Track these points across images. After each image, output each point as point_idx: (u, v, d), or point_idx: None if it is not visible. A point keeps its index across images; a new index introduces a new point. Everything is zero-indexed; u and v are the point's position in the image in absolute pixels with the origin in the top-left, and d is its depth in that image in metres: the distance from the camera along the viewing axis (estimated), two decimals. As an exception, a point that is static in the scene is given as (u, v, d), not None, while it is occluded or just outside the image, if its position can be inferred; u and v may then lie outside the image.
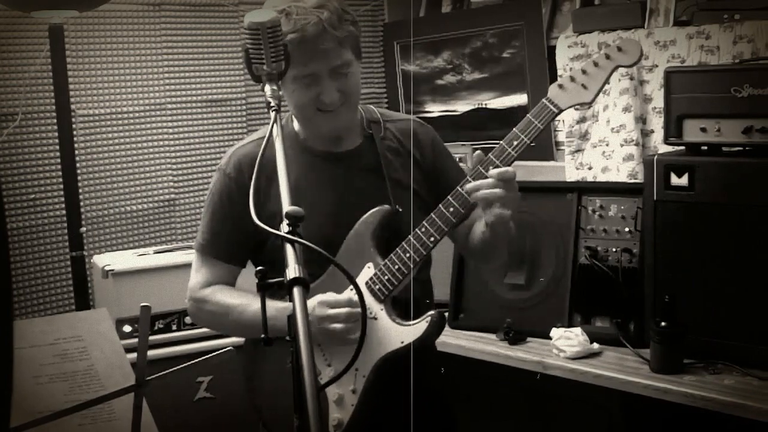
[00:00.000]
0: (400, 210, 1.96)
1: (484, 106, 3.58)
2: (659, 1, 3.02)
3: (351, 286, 1.89)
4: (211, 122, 3.59)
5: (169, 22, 3.46)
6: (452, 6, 3.75)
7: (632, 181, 3.00)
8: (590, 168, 3.17)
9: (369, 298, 1.93)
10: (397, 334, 1.90)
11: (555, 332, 2.63)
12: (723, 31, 2.77)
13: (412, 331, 1.90)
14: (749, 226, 2.36)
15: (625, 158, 3.04)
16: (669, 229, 2.50)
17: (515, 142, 1.88)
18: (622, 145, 3.04)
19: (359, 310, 1.80)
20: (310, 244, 1.30)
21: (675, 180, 2.46)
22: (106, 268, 2.85)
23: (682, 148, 2.53)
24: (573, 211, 2.77)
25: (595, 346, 2.59)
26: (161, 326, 2.85)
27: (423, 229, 1.91)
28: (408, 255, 1.91)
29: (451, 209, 1.90)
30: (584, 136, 3.20)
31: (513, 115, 3.49)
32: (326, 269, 1.92)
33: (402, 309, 1.94)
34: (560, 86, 1.92)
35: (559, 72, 3.22)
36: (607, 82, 1.92)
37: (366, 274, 1.94)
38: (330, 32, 1.82)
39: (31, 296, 3.16)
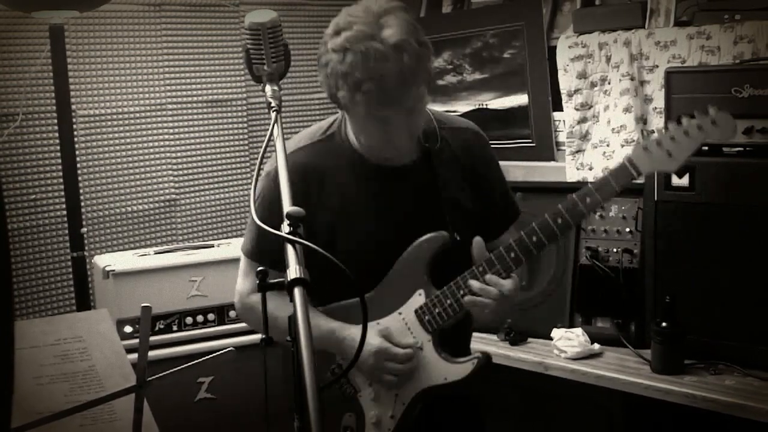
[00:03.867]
0: (458, 239, 1.88)
1: (484, 106, 3.58)
2: (660, 2, 3.02)
3: (399, 310, 1.91)
4: (212, 123, 3.59)
5: (170, 23, 3.46)
6: (452, 6, 3.75)
7: (633, 181, 2.99)
8: (591, 168, 3.17)
9: (417, 327, 1.90)
10: (441, 369, 1.88)
11: (556, 333, 2.63)
12: (723, 32, 2.77)
13: (458, 370, 1.87)
14: (749, 226, 2.36)
15: (626, 159, 3.03)
16: (669, 229, 2.50)
17: (588, 199, 1.82)
18: (622, 146, 3.04)
19: (414, 364, 1.86)
20: (313, 246, 1.29)
21: (675, 180, 2.46)
22: (107, 268, 2.84)
23: (683, 148, 2.52)
24: (574, 211, 2.77)
25: (596, 346, 2.59)
26: (162, 327, 2.85)
27: (480, 269, 1.86)
28: (462, 293, 1.86)
29: (512, 255, 1.85)
30: (585, 137, 3.20)
31: (514, 115, 3.48)
32: (374, 286, 1.89)
33: (447, 339, 1.92)
34: (645, 148, 1.81)
35: (560, 72, 3.22)
36: (693, 153, 1.80)
37: (416, 301, 1.90)
38: (409, 80, 1.71)
39: (31, 297, 3.15)
